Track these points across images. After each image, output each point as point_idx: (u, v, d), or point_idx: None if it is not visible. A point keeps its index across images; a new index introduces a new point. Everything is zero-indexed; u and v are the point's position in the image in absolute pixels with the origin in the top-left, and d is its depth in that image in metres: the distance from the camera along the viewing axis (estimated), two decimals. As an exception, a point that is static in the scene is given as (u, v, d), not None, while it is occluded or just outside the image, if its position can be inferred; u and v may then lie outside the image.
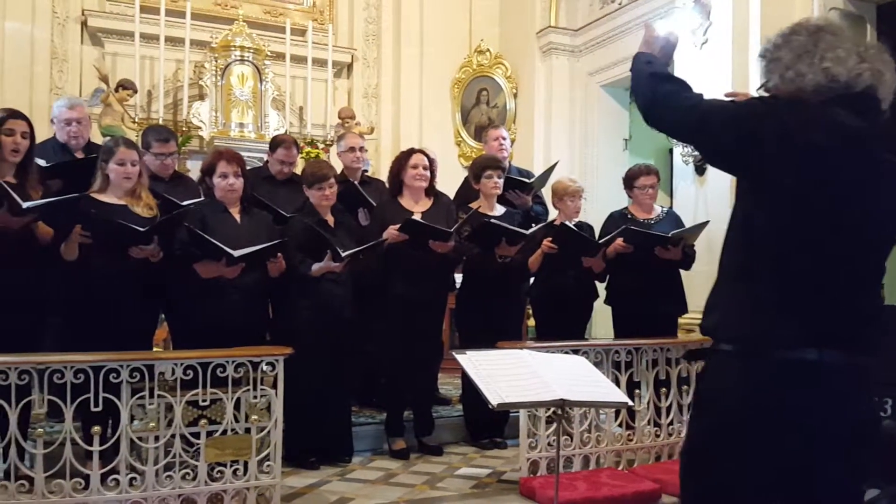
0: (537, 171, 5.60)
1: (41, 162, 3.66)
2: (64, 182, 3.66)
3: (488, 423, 4.41)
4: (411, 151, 4.30)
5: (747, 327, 1.64)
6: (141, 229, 3.32)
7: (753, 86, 2.08)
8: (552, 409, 3.45)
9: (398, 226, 3.99)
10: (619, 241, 4.23)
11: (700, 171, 5.59)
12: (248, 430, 3.16)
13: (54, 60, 6.81)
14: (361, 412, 4.57)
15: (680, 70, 5.74)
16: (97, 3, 7.07)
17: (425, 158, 4.24)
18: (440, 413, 4.63)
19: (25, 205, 3.12)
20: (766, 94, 1.75)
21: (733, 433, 1.63)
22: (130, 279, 3.40)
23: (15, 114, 3.39)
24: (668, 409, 4.00)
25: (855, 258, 1.64)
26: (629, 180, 4.49)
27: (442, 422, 4.53)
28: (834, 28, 1.70)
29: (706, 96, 1.77)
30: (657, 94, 1.80)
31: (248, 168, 3.95)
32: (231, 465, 3.12)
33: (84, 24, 6.96)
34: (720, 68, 5.39)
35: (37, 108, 6.02)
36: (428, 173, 4.23)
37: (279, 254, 3.67)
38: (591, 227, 4.68)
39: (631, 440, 3.94)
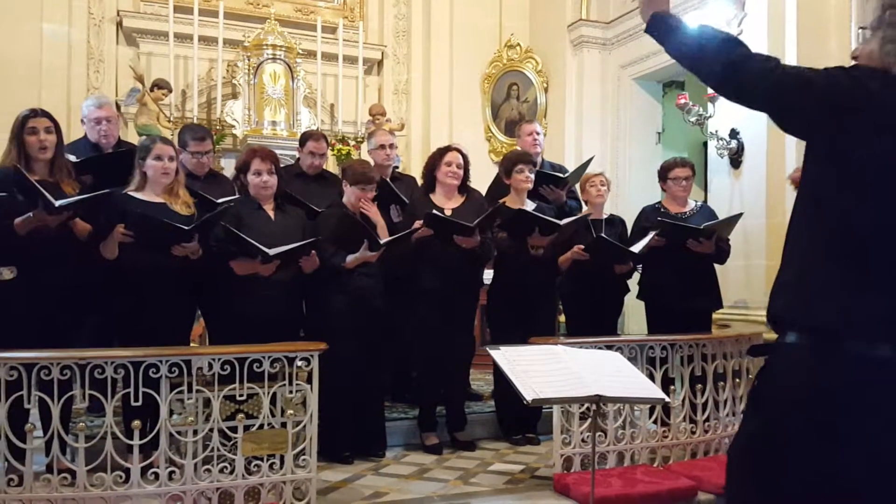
0: (569, 166, 5.57)
1: (72, 158, 3.72)
2: (95, 177, 3.73)
3: (520, 419, 4.41)
4: (447, 149, 4.31)
5: (817, 313, 1.52)
6: (185, 227, 3.38)
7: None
8: (586, 405, 3.45)
9: (422, 221, 4.01)
10: (652, 238, 4.19)
11: (735, 164, 5.52)
12: (283, 425, 3.19)
13: (91, 61, 6.93)
14: (394, 407, 4.60)
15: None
16: (132, 4, 7.19)
17: (460, 157, 4.25)
18: (472, 409, 4.63)
19: (58, 203, 3.17)
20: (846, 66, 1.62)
21: (794, 434, 1.50)
22: (170, 276, 3.45)
23: (34, 112, 3.44)
24: (704, 405, 3.96)
25: None
26: (663, 172, 4.46)
27: (474, 417, 4.53)
28: None
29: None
30: (733, 61, 1.62)
31: (280, 165, 3.99)
32: (267, 460, 3.16)
33: (119, 24, 7.06)
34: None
35: (74, 109, 6.12)
36: (461, 172, 4.23)
37: (312, 251, 3.70)
38: (622, 222, 4.65)
39: (666, 437, 3.91)
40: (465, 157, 4.31)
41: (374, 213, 4.06)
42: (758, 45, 5.32)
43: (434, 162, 4.25)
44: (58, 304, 3.33)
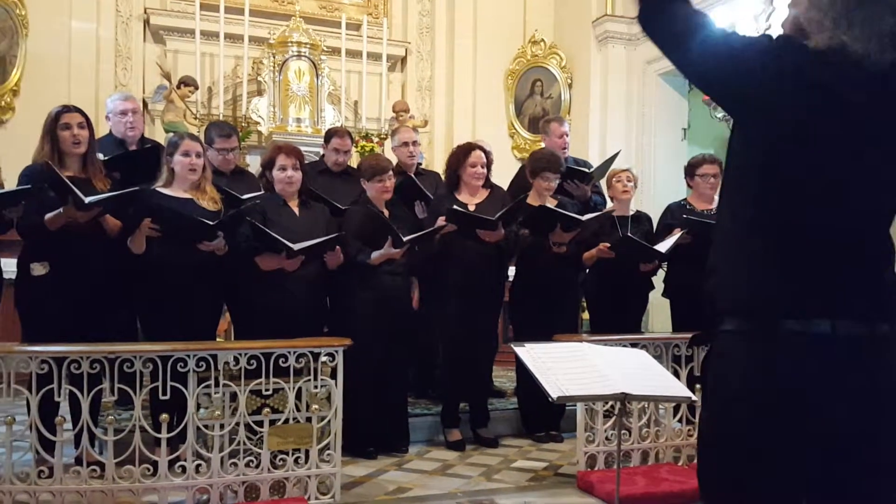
0: (593, 163, 5.54)
1: (99, 156, 3.77)
2: (123, 175, 3.78)
3: (544, 417, 4.39)
4: (470, 148, 4.29)
5: (748, 292, 1.47)
6: (211, 223, 3.41)
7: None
8: (611, 403, 3.43)
9: (444, 216, 4.00)
10: (677, 232, 4.15)
11: (763, 161, 5.44)
12: (308, 420, 3.21)
13: (118, 58, 7.01)
14: (417, 403, 4.60)
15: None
16: (159, 2, 7.26)
17: (483, 156, 4.23)
18: (495, 405, 4.63)
19: (88, 200, 3.21)
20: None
21: (740, 422, 1.45)
22: (196, 271, 3.49)
23: (67, 108, 3.48)
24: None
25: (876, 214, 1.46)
26: (691, 169, 4.41)
27: (497, 414, 4.53)
28: None
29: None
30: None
31: (305, 162, 4.01)
32: (293, 454, 3.18)
33: (146, 22, 7.14)
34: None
35: (103, 106, 6.17)
36: (485, 171, 4.22)
37: (337, 246, 3.72)
38: (649, 219, 4.61)
39: (691, 435, 3.87)
40: (487, 153, 4.30)
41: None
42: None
43: (458, 161, 4.24)
44: (88, 298, 3.38)
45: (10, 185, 3.43)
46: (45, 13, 6.58)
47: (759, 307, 1.46)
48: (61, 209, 3.23)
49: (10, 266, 3.46)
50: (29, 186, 3.21)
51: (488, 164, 4.29)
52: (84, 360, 2.92)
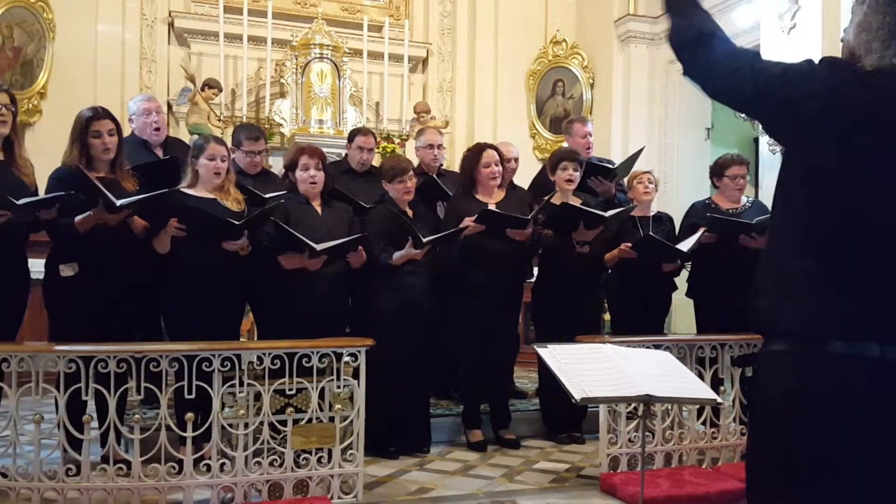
0: (616, 162, 5.50)
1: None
2: (148, 182, 3.81)
3: (566, 418, 4.38)
4: (482, 148, 4.27)
5: (796, 313, 1.46)
6: (235, 222, 3.44)
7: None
8: (634, 404, 3.41)
9: (474, 217, 4.00)
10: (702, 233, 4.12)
11: (788, 160, 5.38)
12: (331, 419, 3.23)
13: (143, 61, 7.09)
14: (438, 404, 4.61)
15: (769, 46, 5.54)
16: (183, 5, 7.33)
17: (496, 155, 4.22)
18: (516, 406, 4.62)
19: (119, 202, 3.26)
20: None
21: (786, 443, 1.45)
22: (220, 271, 3.52)
23: (99, 114, 3.47)
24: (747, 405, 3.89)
25: None
26: (719, 169, 4.36)
27: (518, 415, 4.52)
28: None
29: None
30: (704, 31, 1.55)
31: (328, 162, 4.03)
32: (316, 453, 3.20)
33: (171, 25, 7.22)
34: (809, 55, 5.15)
35: (127, 108, 6.29)
36: (500, 169, 4.20)
37: (360, 247, 3.73)
38: (670, 219, 4.58)
39: (715, 438, 3.85)
40: (501, 153, 4.28)
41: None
42: (811, 38, 5.20)
43: (471, 163, 4.23)
44: (115, 299, 3.42)
45: (39, 184, 3.47)
46: (72, 17, 6.67)
47: (807, 329, 1.46)
48: (91, 211, 3.28)
49: (37, 266, 3.51)
50: (63, 193, 3.25)
51: (504, 166, 4.27)
52: (111, 359, 2.96)
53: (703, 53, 1.56)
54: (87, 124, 3.42)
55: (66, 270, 3.36)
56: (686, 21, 1.60)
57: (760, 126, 1.89)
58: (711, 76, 1.57)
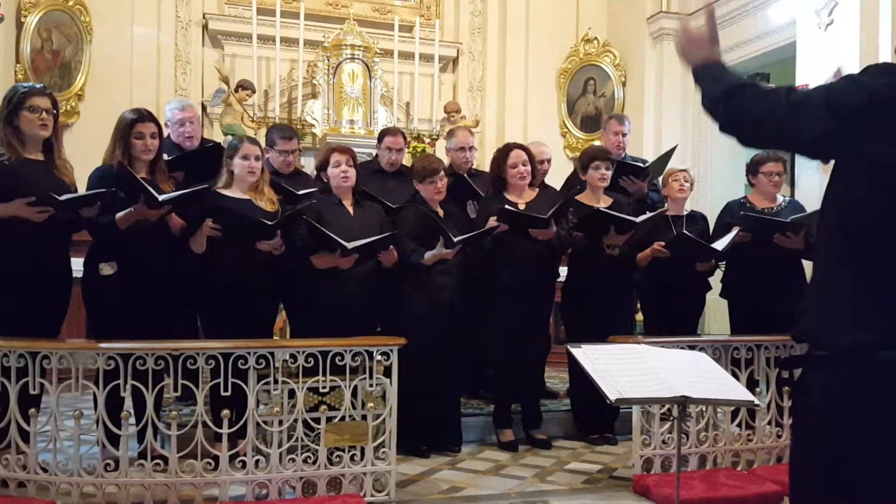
0: (648, 161, 5.45)
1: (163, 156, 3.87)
2: (186, 174, 3.88)
3: (597, 419, 4.35)
4: (509, 148, 4.27)
5: (849, 334, 1.47)
6: (269, 223, 3.48)
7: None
8: (667, 406, 3.38)
9: (495, 216, 4.00)
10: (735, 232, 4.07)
11: (825, 159, 5.29)
12: (364, 417, 3.25)
13: (178, 63, 7.20)
14: (468, 403, 4.60)
15: (803, 54, 5.45)
16: (216, 7, 7.43)
17: (524, 154, 4.21)
18: (547, 406, 4.61)
19: (161, 197, 3.32)
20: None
21: (832, 450, 1.46)
22: (255, 271, 3.57)
23: (143, 117, 3.55)
24: (791, 408, 3.83)
25: None
26: (754, 166, 4.30)
27: (549, 415, 4.50)
28: None
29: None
30: (733, 85, 1.60)
31: (358, 162, 4.05)
32: (349, 451, 3.22)
33: (205, 27, 7.32)
34: (847, 51, 5.07)
35: (163, 109, 6.37)
36: (528, 169, 4.19)
37: (391, 245, 3.75)
38: (704, 218, 4.53)
39: (750, 440, 3.80)
40: (530, 154, 4.27)
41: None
42: (849, 36, 5.09)
43: (499, 163, 4.23)
44: (153, 297, 3.49)
45: (80, 183, 3.54)
46: (109, 20, 6.80)
47: (857, 337, 1.47)
48: (132, 208, 3.34)
49: (76, 265, 3.58)
50: (104, 190, 3.33)
51: (535, 168, 4.26)
52: (149, 356, 3.01)
53: (735, 102, 1.58)
54: (132, 125, 3.49)
55: (106, 269, 3.43)
56: (715, 81, 1.63)
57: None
58: (748, 121, 1.59)
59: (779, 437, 3.82)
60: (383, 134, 4.78)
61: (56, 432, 3.05)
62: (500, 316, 4.15)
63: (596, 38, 7.90)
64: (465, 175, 4.66)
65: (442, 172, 4.07)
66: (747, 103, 1.57)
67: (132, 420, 3.16)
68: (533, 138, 5.76)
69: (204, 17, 7.29)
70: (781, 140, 1.68)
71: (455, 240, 3.81)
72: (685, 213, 4.48)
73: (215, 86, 7.00)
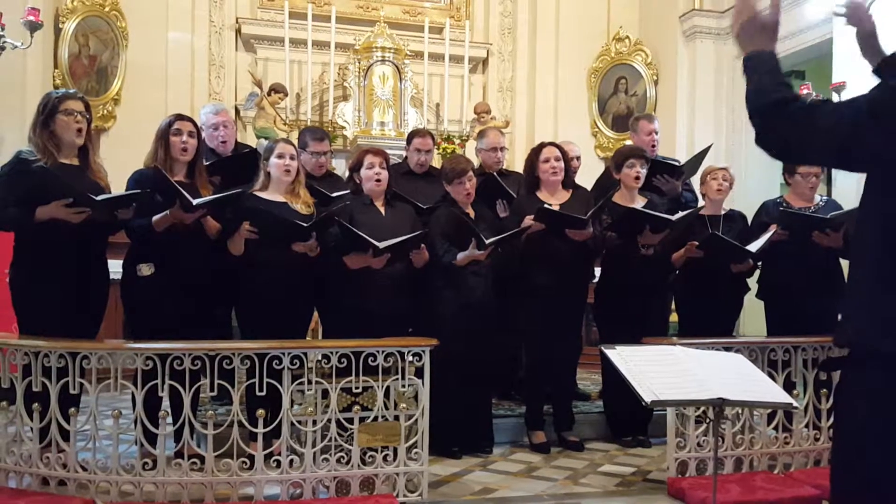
0: (681, 160, 5.40)
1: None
2: (223, 178, 3.93)
3: (631, 421, 4.31)
4: (541, 146, 4.28)
5: (891, 337, 1.44)
6: (304, 224, 3.52)
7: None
8: (702, 408, 3.34)
9: (533, 215, 3.98)
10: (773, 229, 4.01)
11: (863, 157, 5.18)
12: (396, 418, 3.26)
13: (212, 67, 7.30)
14: (500, 404, 4.60)
15: (840, 52, 5.35)
16: (249, 11, 7.52)
17: (556, 150, 4.20)
18: (580, 408, 4.58)
19: (196, 202, 3.37)
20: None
21: (874, 452, 1.46)
22: (292, 272, 3.60)
23: (181, 116, 3.66)
24: (829, 411, 3.76)
25: None
26: (791, 166, 4.23)
27: (582, 417, 4.48)
28: None
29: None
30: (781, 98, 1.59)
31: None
32: (381, 451, 3.24)
33: (238, 31, 7.41)
34: (886, 49, 4.95)
35: (197, 113, 6.46)
36: (561, 164, 4.17)
37: (422, 245, 3.76)
38: (743, 217, 4.46)
39: (787, 443, 3.74)
40: (564, 151, 4.25)
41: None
42: (888, 32, 4.97)
43: (532, 161, 4.23)
44: (190, 298, 3.53)
45: (115, 187, 3.61)
46: (144, 25, 6.92)
47: None
48: (168, 211, 3.39)
49: (114, 267, 3.64)
50: (139, 191, 3.39)
51: (568, 166, 4.24)
52: (186, 356, 3.05)
53: (773, 124, 1.58)
54: (170, 125, 3.56)
55: (145, 270, 3.49)
56: (761, 81, 1.62)
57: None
58: (780, 147, 1.60)
59: (816, 439, 3.76)
60: (412, 135, 4.79)
61: (95, 431, 3.10)
62: (532, 317, 4.13)
63: (627, 36, 7.84)
64: (496, 174, 4.65)
65: (470, 173, 4.07)
66: (783, 128, 1.57)
67: (169, 419, 3.21)
68: (564, 138, 5.73)
69: (237, 22, 7.38)
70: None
71: (487, 241, 3.80)
72: (723, 212, 4.41)
73: (248, 89, 7.08)
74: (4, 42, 5.27)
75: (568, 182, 4.27)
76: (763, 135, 1.60)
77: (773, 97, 1.58)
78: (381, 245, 3.59)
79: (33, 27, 5.36)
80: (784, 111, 1.56)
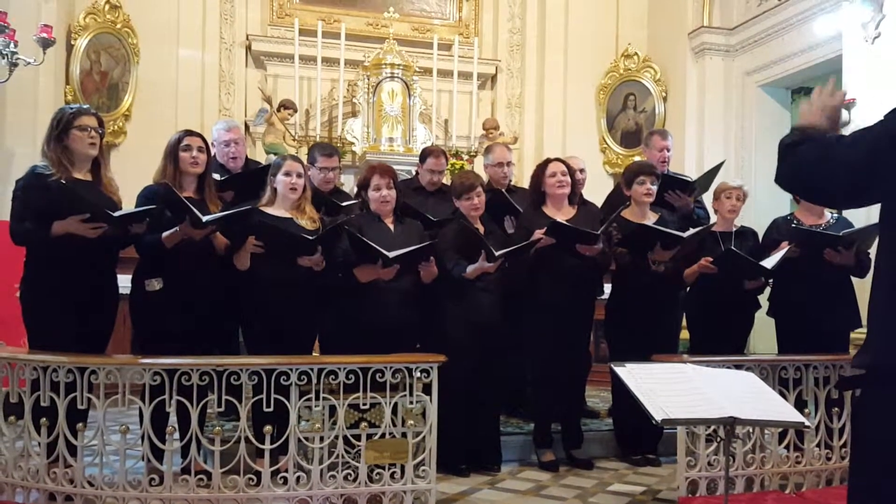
0: (690, 177, 5.38)
1: (214, 176, 3.94)
2: (236, 193, 3.94)
3: (640, 439, 4.27)
4: (547, 161, 4.28)
5: None
6: (309, 237, 3.52)
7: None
8: (713, 427, 3.31)
9: (544, 229, 3.97)
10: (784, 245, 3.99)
11: (874, 174, 5.15)
12: (404, 435, 3.24)
13: (222, 83, 7.35)
14: (508, 422, 4.56)
15: (849, 69, 5.34)
16: (260, 28, 7.57)
17: (563, 165, 4.20)
18: (589, 426, 4.54)
19: (205, 218, 3.38)
20: None
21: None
22: (297, 286, 3.59)
23: (190, 132, 3.69)
24: (841, 430, 3.72)
25: None
26: None
27: (591, 435, 4.43)
28: None
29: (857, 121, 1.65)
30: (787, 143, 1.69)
31: (398, 180, 4.08)
32: (389, 468, 3.21)
33: (248, 48, 7.46)
34: (895, 64, 4.96)
35: (207, 129, 6.44)
36: (568, 179, 4.16)
37: (431, 258, 3.75)
38: (754, 234, 4.43)
39: (799, 462, 3.69)
40: (571, 168, 4.25)
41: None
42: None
43: (538, 177, 4.22)
44: (198, 313, 3.53)
45: (126, 203, 3.62)
46: (155, 42, 6.97)
47: None
48: (178, 227, 3.40)
49: (123, 281, 3.65)
50: (153, 206, 3.40)
51: (575, 181, 4.24)
52: (194, 372, 3.05)
53: (787, 166, 1.71)
54: (179, 141, 3.59)
55: (153, 285, 3.49)
56: (791, 135, 1.74)
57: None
58: (804, 172, 1.69)
59: (828, 459, 3.71)
60: (426, 155, 4.79)
61: (102, 447, 3.10)
62: (540, 333, 4.11)
63: (636, 53, 7.85)
64: (503, 190, 4.65)
65: (479, 188, 4.07)
66: (795, 172, 1.70)
67: (176, 435, 3.20)
68: (572, 154, 5.73)
69: (247, 39, 7.44)
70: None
71: (497, 253, 3.80)
72: (734, 228, 4.39)
73: (258, 105, 7.12)
74: (17, 59, 5.33)
75: (574, 198, 4.26)
76: (780, 177, 1.77)
77: (790, 139, 1.71)
78: (391, 255, 3.58)
79: (46, 44, 5.42)
80: (792, 153, 1.70)
